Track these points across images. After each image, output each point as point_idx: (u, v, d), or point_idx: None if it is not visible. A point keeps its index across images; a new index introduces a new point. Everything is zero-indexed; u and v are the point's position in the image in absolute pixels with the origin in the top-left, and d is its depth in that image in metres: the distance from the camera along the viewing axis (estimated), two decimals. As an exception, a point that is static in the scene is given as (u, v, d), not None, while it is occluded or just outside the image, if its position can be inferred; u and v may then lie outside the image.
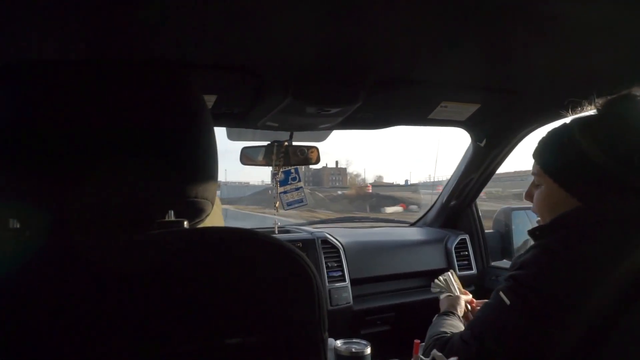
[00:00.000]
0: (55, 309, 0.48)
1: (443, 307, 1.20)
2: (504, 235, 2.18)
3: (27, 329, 0.47)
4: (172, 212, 0.58)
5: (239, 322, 0.53)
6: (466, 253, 2.00)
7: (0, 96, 0.53)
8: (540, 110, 1.50)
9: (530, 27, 0.92)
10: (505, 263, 2.09)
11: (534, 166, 0.97)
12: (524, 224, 2.20)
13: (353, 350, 1.39)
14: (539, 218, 0.98)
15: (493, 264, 2.10)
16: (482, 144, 1.72)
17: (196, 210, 0.60)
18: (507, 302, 0.80)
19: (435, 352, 0.74)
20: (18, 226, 0.52)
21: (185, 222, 0.59)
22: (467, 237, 2.02)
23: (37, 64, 0.54)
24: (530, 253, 0.84)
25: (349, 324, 1.73)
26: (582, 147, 0.86)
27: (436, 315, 1.14)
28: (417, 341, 0.77)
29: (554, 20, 0.88)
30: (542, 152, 0.94)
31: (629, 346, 0.75)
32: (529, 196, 1.00)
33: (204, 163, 0.59)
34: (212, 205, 0.62)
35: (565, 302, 0.78)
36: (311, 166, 1.70)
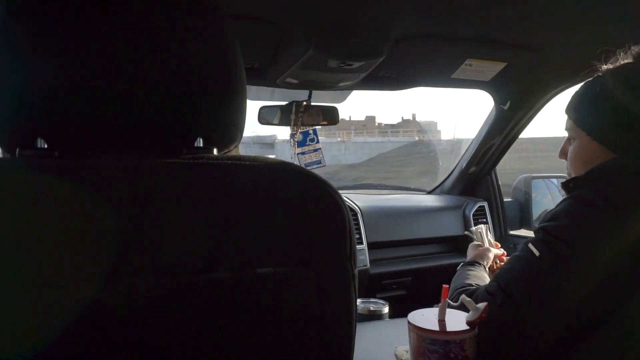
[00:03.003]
0: (74, 224, 0.47)
1: (470, 256, 1.18)
2: (523, 204, 2.15)
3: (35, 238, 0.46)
4: (201, 139, 0.56)
5: (271, 252, 0.52)
6: (484, 220, 1.97)
7: (24, 19, 0.51)
8: (569, 68, 1.45)
9: None
10: (523, 232, 2.07)
11: (567, 121, 0.93)
12: (544, 193, 2.16)
13: (371, 308, 1.40)
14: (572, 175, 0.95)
15: (511, 232, 2.07)
16: (506, 107, 1.68)
17: (226, 139, 0.58)
18: (537, 253, 0.78)
19: (464, 296, 0.73)
20: (45, 146, 0.51)
21: (215, 150, 0.57)
22: (485, 204, 1.99)
23: None
24: (563, 204, 0.82)
25: (365, 287, 1.73)
26: (617, 96, 0.82)
27: (461, 264, 1.13)
28: (445, 286, 0.76)
29: None
30: (576, 105, 0.91)
31: None
32: (563, 154, 0.97)
33: (234, 92, 0.57)
34: (241, 135, 0.60)
35: (598, 254, 0.75)
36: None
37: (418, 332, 0.71)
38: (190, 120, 0.55)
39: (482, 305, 0.70)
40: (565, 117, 0.94)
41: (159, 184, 0.51)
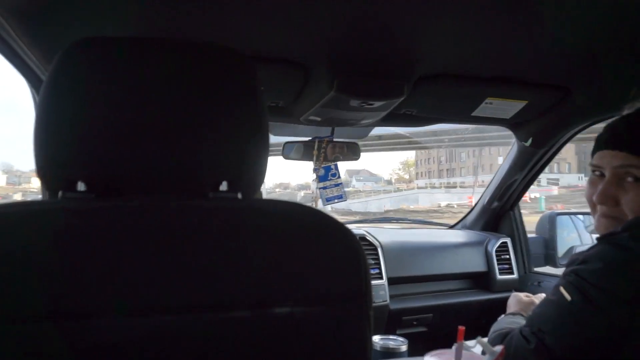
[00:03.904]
0: (108, 261, 0.51)
1: (513, 308, 1.14)
2: (548, 241, 2.11)
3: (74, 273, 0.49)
4: (226, 182, 0.60)
5: (288, 292, 0.55)
6: (507, 257, 1.94)
7: (72, 70, 0.56)
8: (596, 107, 1.44)
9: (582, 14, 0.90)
10: (548, 269, 2.03)
11: (622, 158, 0.82)
12: (569, 230, 2.12)
13: (390, 345, 1.38)
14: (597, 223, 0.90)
15: (535, 269, 2.03)
16: (528, 144, 1.68)
17: (249, 182, 0.62)
18: (568, 298, 0.76)
19: (479, 338, 0.73)
20: (85, 189, 0.55)
21: (239, 194, 0.61)
22: (508, 240, 1.97)
23: (107, 40, 0.58)
24: (596, 248, 0.80)
25: (385, 322, 1.71)
26: None
27: (502, 315, 1.10)
28: (461, 327, 0.76)
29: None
30: None
31: None
32: (611, 198, 0.85)
33: (259, 137, 0.61)
34: (263, 179, 0.64)
35: (632, 302, 0.73)
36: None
37: (434, 374, 0.71)
38: (217, 164, 0.59)
39: (498, 348, 0.70)
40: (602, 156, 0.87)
41: (185, 224, 0.54)
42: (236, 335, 0.53)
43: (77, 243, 0.51)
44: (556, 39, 1.03)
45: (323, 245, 0.57)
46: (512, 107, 1.48)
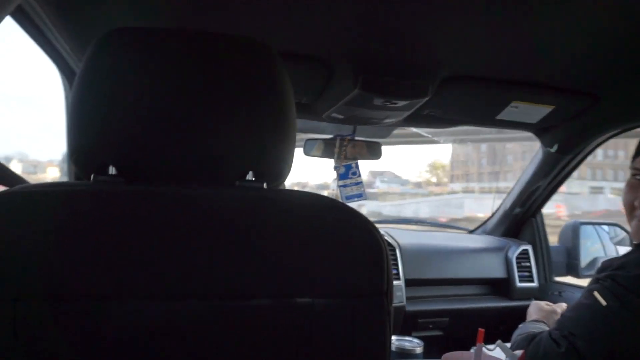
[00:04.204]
0: (136, 244, 0.52)
1: (534, 315, 1.12)
2: (571, 250, 2.06)
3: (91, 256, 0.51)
4: (252, 172, 0.61)
5: (310, 283, 0.55)
6: (528, 264, 1.91)
7: (106, 59, 0.58)
8: (625, 115, 1.41)
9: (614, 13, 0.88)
10: (570, 279, 1.98)
11: None
12: (593, 240, 2.07)
13: (405, 346, 1.38)
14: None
15: (556, 279, 1.99)
16: (553, 150, 1.65)
17: (275, 173, 0.62)
18: (603, 302, 0.75)
19: (500, 342, 0.72)
20: (115, 172, 0.57)
21: (265, 184, 0.61)
22: (529, 247, 1.93)
23: (139, 30, 0.59)
24: (634, 254, 0.79)
25: (400, 324, 1.70)
26: None
27: (522, 323, 1.09)
28: (481, 330, 0.75)
29: None
30: None
31: None
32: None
33: (285, 129, 0.61)
34: (289, 170, 0.64)
35: None
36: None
37: (449, 374, 0.70)
38: (243, 154, 0.60)
39: (518, 352, 0.69)
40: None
41: (210, 212, 0.55)
42: (257, 323, 0.54)
43: (102, 224, 0.52)
44: (586, 44, 1.01)
45: (347, 239, 0.58)
46: (538, 112, 1.46)
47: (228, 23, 0.98)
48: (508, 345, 0.74)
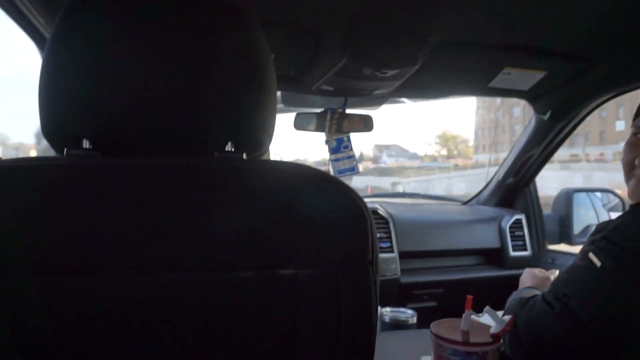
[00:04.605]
0: (110, 218, 0.50)
1: (527, 282, 1.12)
2: (564, 218, 2.07)
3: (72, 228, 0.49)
4: (231, 143, 0.59)
5: (293, 254, 0.54)
6: (521, 233, 1.92)
7: (76, 27, 0.55)
8: (619, 78, 1.39)
9: None
10: (563, 247, 2.00)
11: None
12: (587, 208, 2.08)
13: (399, 318, 1.39)
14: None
15: (550, 247, 2.00)
16: (546, 117, 1.63)
17: (255, 144, 0.60)
18: (598, 263, 0.75)
19: (488, 308, 0.72)
20: (90, 147, 0.55)
21: (244, 155, 0.60)
22: (522, 217, 1.94)
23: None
24: (628, 215, 0.78)
25: (395, 296, 1.71)
26: None
27: (516, 290, 1.09)
28: (469, 296, 0.75)
29: None
30: None
31: None
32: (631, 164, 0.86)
33: (264, 98, 0.59)
34: (270, 140, 0.63)
35: None
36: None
37: (440, 342, 0.70)
38: (221, 124, 0.57)
39: (507, 317, 0.69)
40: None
41: (187, 183, 0.53)
42: (241, 295, 0.53)
43: (79, 199, 0.50)
44: (578, 6, 0.98)
45: (329, 208, 0.56)
46: (530, 78, 1.43)
47: None
48: (499, 313, 0.73)
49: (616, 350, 0.74)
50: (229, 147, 0.58)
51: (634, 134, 0.88)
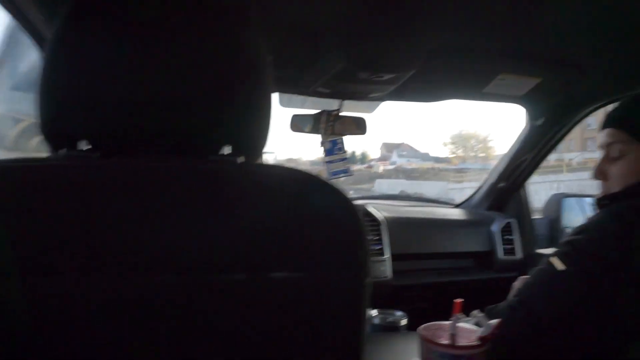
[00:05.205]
0: (106, 218, 0.51)
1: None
2: (554, 222, 2.10)
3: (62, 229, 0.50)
4: (227, 146, 0.59)
5: (285, 257, 0.55)
6: (511, 237, 1.94)
7: (77, 27, 0.55)
8: (609, 86, 1.41)
9: None
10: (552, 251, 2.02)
11: (612, 135, 0.88)
12: (576, 213, 2.11)
13: (389, 319, 1.40)
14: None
15: (539, 251, 2.03)
16: (539, 123, 1.65)
17: (251, 147, 0.61)
18: (562, 267, 0.76)
19: (476, 312, 0.73)
20: (88, 147, 0.56)
21: (241, 157, 0.60)
22: (513, 221, 1.96)
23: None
24: (593, 218, 0.80)
25: (386, 298, 1.73)
26: None
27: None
28: (458, 300, 0.76)
29: None
30: (631, 117, 0.85)
31: None
32: (602, 173, 0.91)
33: (260, 101, 0.60)
34: (266, 143, 0.63)
35: (626, 269, 0.73)
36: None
37: (428, 345, 0.71)
38: (218, 127, 0.58)
39: (494, 321, 0.71)
40: (602, 133, 0.89)
41: (180, 186, 0.54)
42: (231, 298, 0.53)
43: (75, 199, 0.51)
44: (569, 15, 1.00)
45: (322, 212, 0.57)
46: (525, 84, 1.45)
47: None
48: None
49: (576, 351, 0.76)
50: (224, 150, 0.59)
51: (600, 147, 0.91)
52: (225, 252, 0.53)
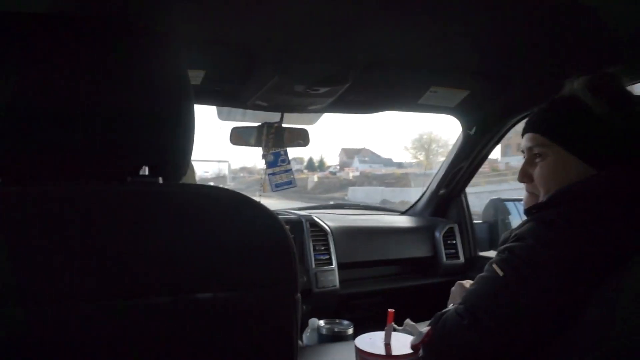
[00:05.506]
0: (12, 248, 0.48)
1: (458, 298, 1.16)
2: (493, 226, 2.19)
3: None
4: (147, 168, 0.58)
5: (210, 277, 0.54)
6: (454, 242, 2.01)
7: None
8: (534, 95, 1.50)
9: (516, 7, 0.93)
10: (493, 253, 2.10)
11: (531, 139, 0.92)
12: (513, 216, 2.21)
13: (336, 329, 1.40)
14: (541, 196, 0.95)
15: (481, 254, 2.11)
16: (472, 132, 1.73)
17: (172, 167, 0.60)
18: (500, 273, 0.79)
19: (408, 321, 0.75)
20: None
21: (160, 179, 0.59)
22: (455, 226, 2.03)
23: (14, 16, 0.54)
24: (527, 225, 0.83)
25: (335, 307, 1.73)
26: (590, 106, 0.83)
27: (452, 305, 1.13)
28: (391, 310, 0.78)
29: None
30: (546, 121, 0.90)
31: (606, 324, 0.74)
32: (526, 176, 0.94)
33: (181, 121, 0.59)
34: (188, 163, 0.62)
35: (560, 276, 0.76)
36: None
37: (364, 356, 0.72)
38: (136, 149, 0.57)
39: (425, 329, 0.73)
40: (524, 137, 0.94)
41: (96, 210, 0.52)
42: (155, 322, 0.52)
43: None
44: (487, 31, 1.06)
45: (248, 230, 0.57)
46: (455, 96, 1.52)
47: (126, 8, 0.93)
48: (421, 324, 0.77)
49: (521, 356, 0.79)
50: (143, 171, 0.58)
51: (521, 151, 0.96)
52: (148, 276, 0.52)
